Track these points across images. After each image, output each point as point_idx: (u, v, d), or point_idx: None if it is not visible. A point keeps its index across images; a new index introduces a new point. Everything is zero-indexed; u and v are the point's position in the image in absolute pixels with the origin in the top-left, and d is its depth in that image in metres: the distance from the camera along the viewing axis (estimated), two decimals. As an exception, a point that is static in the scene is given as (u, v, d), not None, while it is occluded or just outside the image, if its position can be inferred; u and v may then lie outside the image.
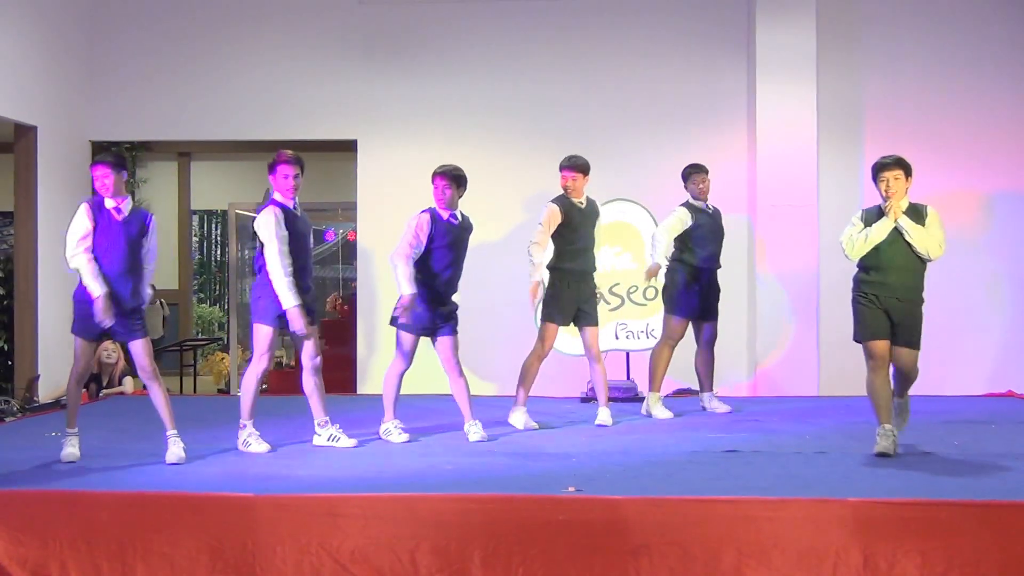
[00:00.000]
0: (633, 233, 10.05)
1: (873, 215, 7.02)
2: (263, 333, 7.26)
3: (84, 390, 10.24)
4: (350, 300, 12.84)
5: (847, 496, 5.46)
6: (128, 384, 10.59)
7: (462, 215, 7.79)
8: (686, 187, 8.93)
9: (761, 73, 10.68)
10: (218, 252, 19.13)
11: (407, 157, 10.88)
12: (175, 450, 6.89)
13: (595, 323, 8.34)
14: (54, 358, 10.71)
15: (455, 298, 7.80)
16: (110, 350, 10.46)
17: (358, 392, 10.93)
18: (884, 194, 6.93)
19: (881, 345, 6.94)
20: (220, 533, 5.54)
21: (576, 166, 8.31)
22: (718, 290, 8.97)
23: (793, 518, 5.35)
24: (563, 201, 8.29)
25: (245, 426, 7.31)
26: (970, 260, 10.55)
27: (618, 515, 5.42)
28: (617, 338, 10.07)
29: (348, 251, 15.59)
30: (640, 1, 11.23)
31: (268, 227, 7.12)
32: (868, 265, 7.00)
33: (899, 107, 11.00)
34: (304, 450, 7.29)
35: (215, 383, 14.17)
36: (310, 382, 7.41)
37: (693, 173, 8.93)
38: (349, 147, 11.39)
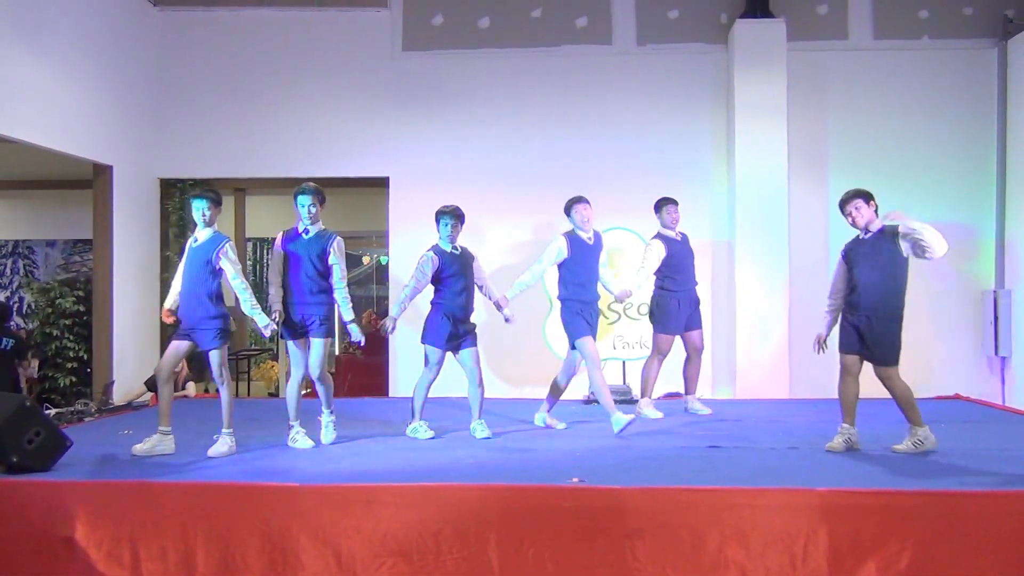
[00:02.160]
0: (626, 257, 10.04)
1: (852, 247, 6.94)
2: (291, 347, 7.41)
3: (153, 394, 10.30)
4: (383, 315, 12.84)
5: (816, 486, 5.45)
6: (191, 388, 10.58)
7: (461, 247, 7.81)
8: (658, 216, 8.90)
9: (739, 117, 10.66)
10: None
11: (432, 193, 10.83)
12: (220, 447, 6.94)
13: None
14: (126, 366, 10.73)
15: (473, 317, 7.79)
16: (175, 359, 10.45)
17: (390, 395, 10.91)
18: (853, 224, 6.89)
19: (849, 358, 6.88)
20: (269, 518, 5.54)
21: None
22: (698, 302, 8.94)
23: (769, 505, 5.34)
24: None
25: (292, 426, 7.31)
26: (918, 280, 10.47)
27: (616, 502, 5.40)
28: (615, 348, 10.04)
29: (381, 273, 15.62)
30: (636, 57, 11.21)
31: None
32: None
33: (859, 145, 10.97)
34: (343, 446, 7.29)
35: (266, 388, 14.16)
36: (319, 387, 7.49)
37: (665, 204, 8.91)
38: (382, 183, 11.39)
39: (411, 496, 5.53)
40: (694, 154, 11.08)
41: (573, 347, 7.97)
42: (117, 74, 10.73)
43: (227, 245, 7.08)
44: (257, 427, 8.18)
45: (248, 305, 7.02)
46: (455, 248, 7.73)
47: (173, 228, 11.79)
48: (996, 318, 10.69)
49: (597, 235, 8.24)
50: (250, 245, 16.78)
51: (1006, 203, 10.84)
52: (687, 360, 8.99)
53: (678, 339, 8.88)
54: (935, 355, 10.79)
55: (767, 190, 10.58)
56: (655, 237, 8.88)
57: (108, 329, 10.56)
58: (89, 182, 10.73)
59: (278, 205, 15.93)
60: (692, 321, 8.86)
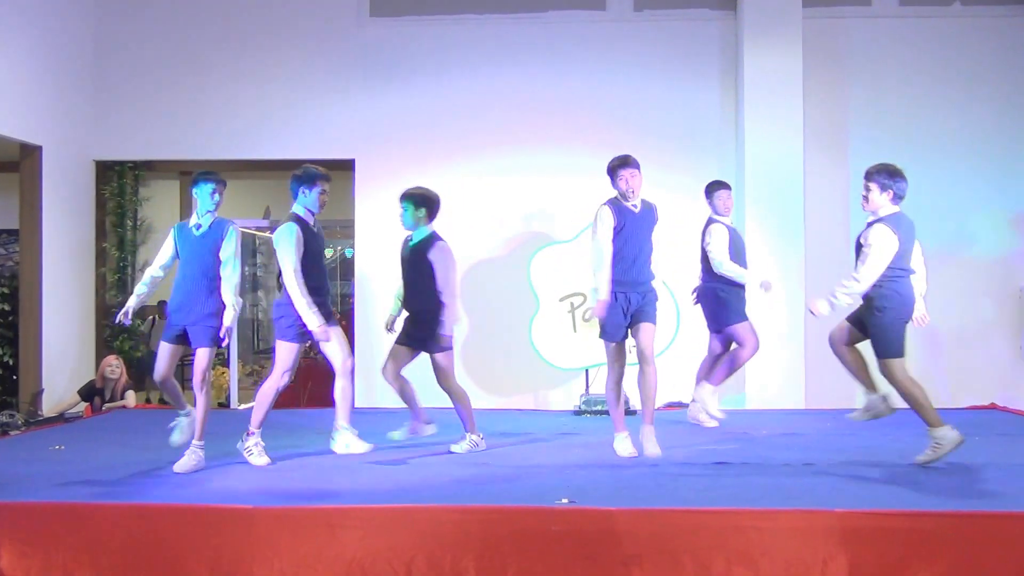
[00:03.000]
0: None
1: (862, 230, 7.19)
2: (286, 350, 7.32)
3: (88, 404, 10.28)
4: (347, 315, 12.82)
5: (834, 507, 5.47)
6: (131, 398, 10.56)
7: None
8: (710, 202, 8.88)
9: (749, 94, 10.71)
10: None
11: (403, 176, 10.84)
12: (188, 460, 7.01)
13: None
14: (57, 373, 10.69)
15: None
16: (114, 365, 10.44)
17: (355, 405, 10.89)
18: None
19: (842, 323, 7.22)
20: (220, 545, 5.53)
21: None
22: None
23: (781, 528, 5.35)
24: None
25: (253, 434, 7.30)
26: (951, 273, 10.54)
27: (610, 526, 5.41)
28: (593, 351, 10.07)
29: (346, 268, 15.58)
30: (633, 25, 11.24)
31: (287, 244, 7.25)
32: None
33: (881, 124, 11.02)
34: (303, 463, 7.29)
35: (215, 397, 14.14)
36: (338, 385, 7.46)
37: (717, 188, 8.89)
38: (347, 166, 11.38)
39: (379, 520, 5.53)
40: (698, 134, 11.11)
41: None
42: (48, 44, 10.69)
43: (234, 229, 7.35)
44: (208, 440, 8.17)
45: (232, 293, 7.15)
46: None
47: (111, 216, 11.78)
48: (1036, 318, 10.75)
49: (649, 206, 7.70)
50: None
51: (1049, 187, 10.92)
52: (715, 360, 8.99)
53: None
54: (968, 360, 10.84)
55: (780, 173, 10.61)
56: (714, 223, 8.87)
57: (36, 331, 10.52)
58: (15, 164, 10.69)
59: (228, 190, 15.91)
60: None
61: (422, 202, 7.72)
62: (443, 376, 7.63)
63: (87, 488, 6.41)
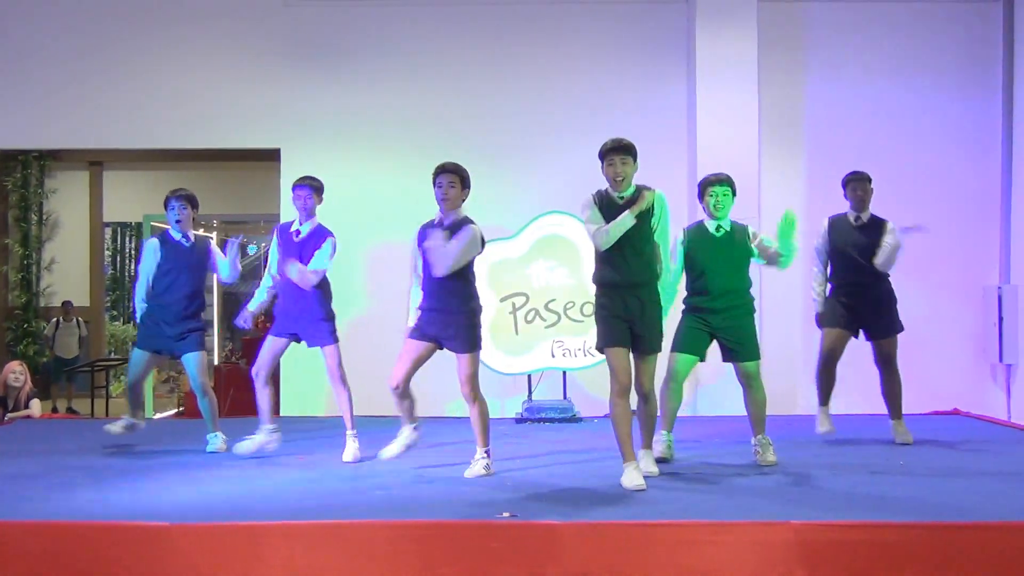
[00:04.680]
0: (567, 246, 10.06)
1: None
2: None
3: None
4: (271, 316, 12.71)
5: (791, 519, 5.50)
6: (35, 407, 10.40)
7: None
8: (846, 196, 8.53)
9: (701, 79, 10.77)
10: (132, 266, 18.90)
11: (334, 166, 10.79)
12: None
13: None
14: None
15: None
16: (17, 372, 10.28)
17: (281, 413, 10.81)
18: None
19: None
20: (131, 565, 5.44)
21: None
22: None
23: (736, 542, 5.37)
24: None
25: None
26: (910, 275, 10.66)
27: (555, 541, 5.40)
28: (553, 356, 10.07)
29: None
30: (577, 6, 11.27)
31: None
32: None
33: (839, 110, 11.16)
34: (222, 476, 7.21)
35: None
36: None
37: (851, 181, 8.52)
38: (272, 156, 11.29)
39: (307, 536, 5.47)
40: (647, 124, 11.10)
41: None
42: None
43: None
44: (119, 453, 8.07)
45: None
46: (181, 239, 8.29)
47: (14, 210, 11.62)
48: (1001, 319, 10.90)
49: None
50: (109, 231, 16.56)
51: (1012, 184, 11.07)
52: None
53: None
54: (930, 362, 10.92)
55: (735, 167, 10.54)
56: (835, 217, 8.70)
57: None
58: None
59: (140, 182, 15.76)
60: None
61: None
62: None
63: (-13, 505, 6.29)
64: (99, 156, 13.39)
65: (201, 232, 8.32)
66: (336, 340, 7.86)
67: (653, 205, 6.92)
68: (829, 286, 8.47)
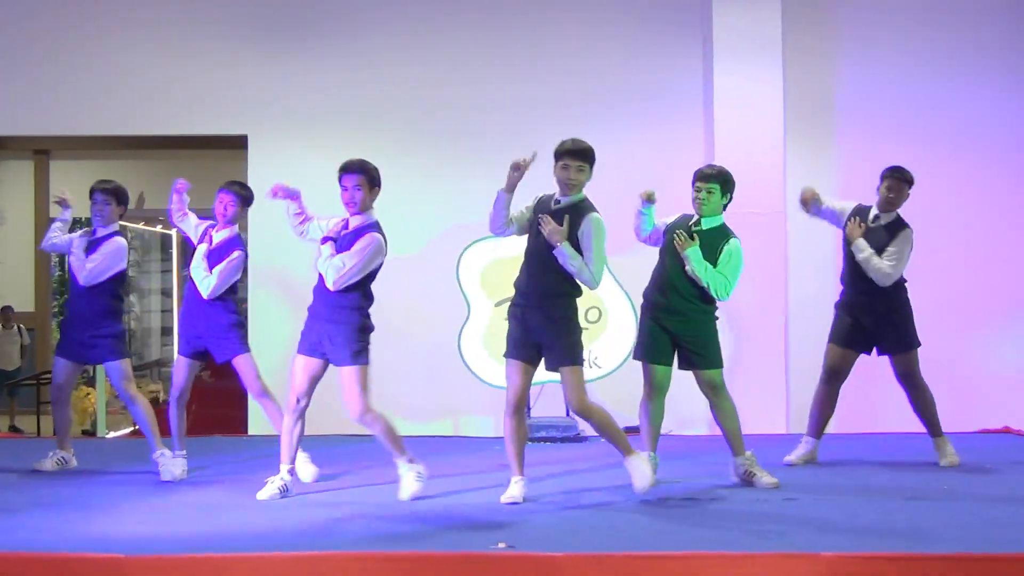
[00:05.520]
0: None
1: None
2: None
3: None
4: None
5: (819, 550, 5.51)
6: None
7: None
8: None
9: (720, 59, 10.78)
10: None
11: (306, 156, 10.81)
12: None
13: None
14: None
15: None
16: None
17: (249, 433, 10.85)
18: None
19: None
20: (84, 602, 5.47)
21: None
22: None
23: (758, 575, 5.40)
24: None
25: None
26: (956, 280, 10.70)
27: (554, 574, 5.43)
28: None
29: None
30: (580, -22, 11.31)
31: None
32: None
33: (875, 97, 11.15)
34: (185, 502, 7.23)
35: (79, 423, 13.98)
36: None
37: (885, 176, 8.50)
38: (238, 143, 11.31)
39: (277, 569, 5.49)
40: (659, 108, 11.16)
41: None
42: None
43: None
44: (68, 477, 8.09)
45: None
46: None
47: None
48: (1059, 325, 10.92)
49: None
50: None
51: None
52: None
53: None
54: (978, 376, 10.97)
55: (757, 155, 10.62)
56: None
57: None
58: None
59: (92, 172, 15.77)
60: None
61: None
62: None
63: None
64: (45, 144, 13.37)
65: (159, 229, 8.33)
66: (248, 349, 8.01)
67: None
68: (840, 290, 8.51)
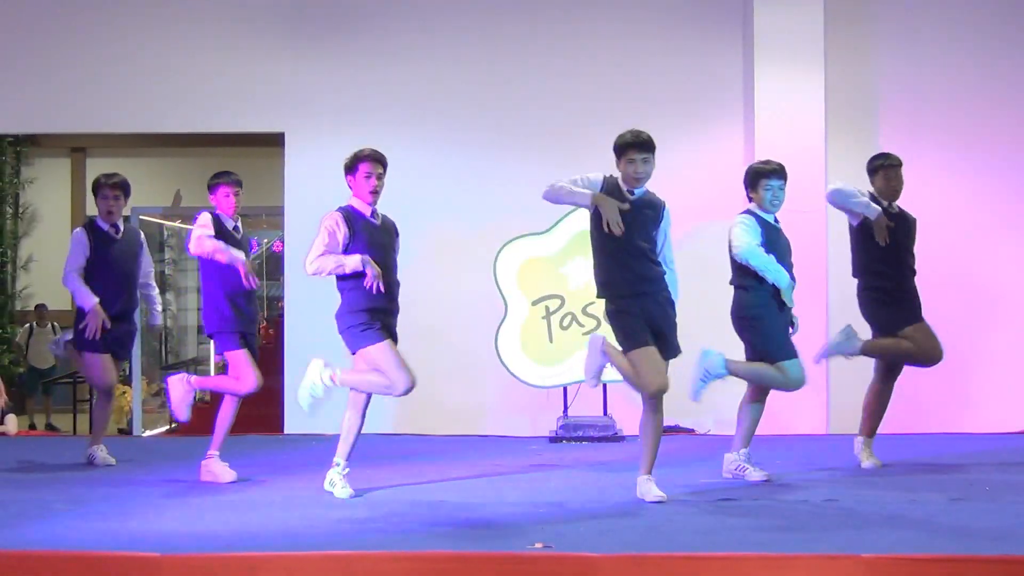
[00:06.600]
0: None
1: None
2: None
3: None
4: (276, 323, 12.77)
5: (861, 551, 5.48)
6: (11, 423, 10.49)
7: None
8: (872, 183, 8.63)
9: (760, 58, 10.75)
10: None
11: (343, 153, 10.76)
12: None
13: None
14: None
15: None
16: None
17: (285, 431, 10.87)
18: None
19: None
20: (119, 599, 5.49)
21: None
22: None
23: (798, 577, 5.37)
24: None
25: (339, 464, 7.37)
26: (1005, 276, 10.62)
27: (593, 575, 5.41)
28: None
29: (273, 264, 15.51)
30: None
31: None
32: None
33: (919, 95, 11.09)
34: (220, 501, 7.25)
35: (115, 422, 14.07)
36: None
37: (882, 167, 8.56)
38: (275, 141, 11.35)
39: (310, 568, 5.50)
40: (698, 107, 11.15)
41: None
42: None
43: None
44: (103, 476, 8.13)
45: None
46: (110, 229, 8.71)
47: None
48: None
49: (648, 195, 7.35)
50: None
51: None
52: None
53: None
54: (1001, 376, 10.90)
55: (798, 154, 10.56)
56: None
57: None
58: None
59: (129, 170, 15.89)
60: None
61: None
62: None
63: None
64: (82, 141, 13.50)
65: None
66: (240, 346, 7.93)
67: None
68: (858, 280, 8.72)
